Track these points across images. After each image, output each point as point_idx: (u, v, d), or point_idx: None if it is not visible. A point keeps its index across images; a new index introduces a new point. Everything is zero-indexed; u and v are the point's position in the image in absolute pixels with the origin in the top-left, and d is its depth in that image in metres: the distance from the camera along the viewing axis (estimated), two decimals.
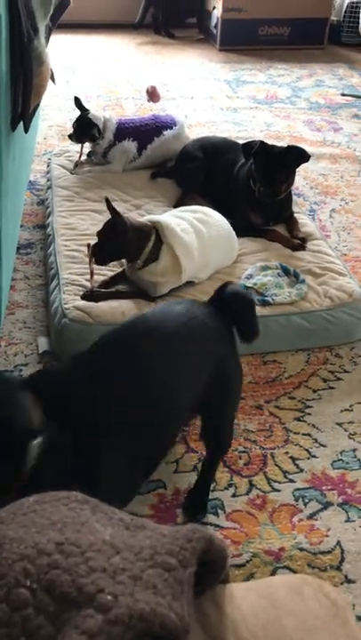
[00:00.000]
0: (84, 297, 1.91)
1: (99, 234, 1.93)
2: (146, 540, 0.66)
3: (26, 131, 1.82)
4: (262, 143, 2.29)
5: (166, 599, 0.56)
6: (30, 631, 0.55)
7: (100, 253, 1.92)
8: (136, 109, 3.67)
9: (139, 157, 2.69)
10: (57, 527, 0.69)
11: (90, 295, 1.92)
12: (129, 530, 0.72)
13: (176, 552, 0.63)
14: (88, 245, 1.95)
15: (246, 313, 1.35)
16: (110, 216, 1.90)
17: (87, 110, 2.68)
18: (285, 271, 2.10)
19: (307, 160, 2.29)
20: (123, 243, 1.89)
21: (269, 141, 3.29)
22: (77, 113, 2.72)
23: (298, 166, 2.31)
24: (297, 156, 2.27)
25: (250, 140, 2.40)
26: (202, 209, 2.17)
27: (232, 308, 1.34)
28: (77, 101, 2.70)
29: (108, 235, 1.90)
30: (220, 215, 2.17)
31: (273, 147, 2.30)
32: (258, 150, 2.26)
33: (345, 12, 5.02)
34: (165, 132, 2.68)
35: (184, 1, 5.04)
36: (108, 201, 1.88)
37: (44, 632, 0.55)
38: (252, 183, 2.32)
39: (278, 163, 2.25)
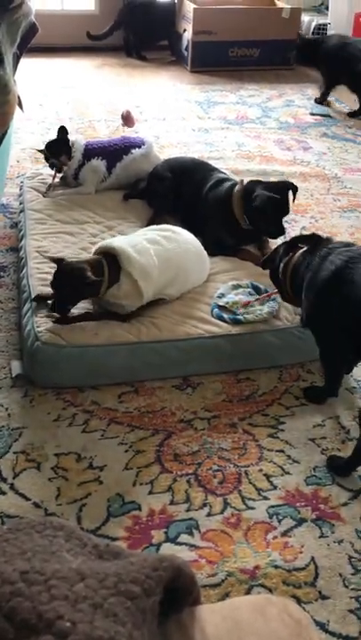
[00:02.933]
0: (56, 321, 1.92)
1: (54, 285, 1.92)
2: (112, 567, 0.67)
3: None
4: (276, 191, 2.27)
5: (126, 627, 0.56)
6: None
7: (62, 305, 1.93)
8: (109, 132, 3.71)
9: (109, 177, 2.72)
10: (26, 556, 0.69)
11: (61, 318, 1.93)
12: (102, 558, 0.72)
13: (141, 580, 0.64)
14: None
15: None
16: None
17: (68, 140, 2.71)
18: (256, 289, 2.13)
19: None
20: (83, 286, 1.88)
21: (241, 161, 3.37)
22: (50, 137, 2.75)
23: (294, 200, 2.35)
24: (295, 191, 2.31)
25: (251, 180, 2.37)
26: (171, 227, 2.20)
27: None
28: (63, 130, 2.70)
29: (68, 283, 1.89)
30: (190, 234, 2.20)
31: (280, 188, 2.29)
32: (278, 200, 2.26)
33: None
34: (133, 151, 2.71)
35: (155, 24, 5.12)
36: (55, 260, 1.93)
37: None
38: (239, 215, 2.33)
39: (287, 203, 2.29)
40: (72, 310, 1.98)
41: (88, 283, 1.85)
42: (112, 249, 1.96)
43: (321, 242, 1.81)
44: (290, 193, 2.29)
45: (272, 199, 2.25)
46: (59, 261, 1.92)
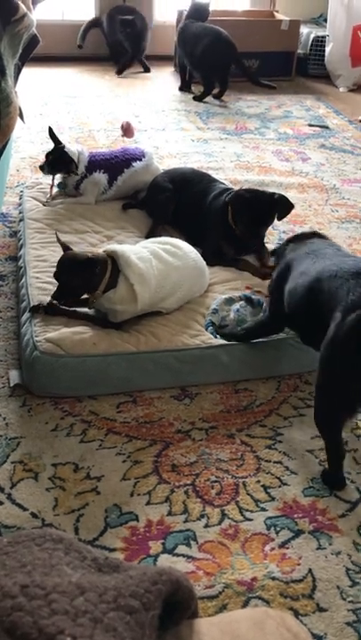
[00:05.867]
0: (46, 308, 1.99)
1: (56, 272, 1.97)
2: (112, 581, 0.67)
3: None
4: (254, 194, 2.32)
5: None
6: None
7: (66, 296, 1.98)
8: (108, 142, 3.73)
9: (109, 189, 2.73)
10: (26, 569, 0.69)
11: (47, 307, 1.99)
12: (101, 571, 0.72)
13: (140, 594, 0.64)
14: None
15: None
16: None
17: (61, 143, 2.71)
18: (249, 301, 2.13)
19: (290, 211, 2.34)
20: (89, 277, 1.93)
21: (239, 172, 3.39)
22: (50, 145, 2.76)
23: (283, 217, 2.35)
24: (286, 208, 2.31)
25: (241, 186, 2.42)
26: (171, 240, 2.21)
27: None
28: (51, 132, 2.73)
29: (72, 273, 1.94)
30: (190, 247, 2.20)
31: (263, 194, 2.33)
32: (250, 199, 2.29)
33: (311, 45, 5.19)
34: (134, 164, 2.73)
35: (142, 38, 5.07)
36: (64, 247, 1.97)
37: None
38: (231, 221, 2.36)
39: (268, 211, 2.30)
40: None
41: (91, 265, 1.90)
42: (114, 252, 1.98)
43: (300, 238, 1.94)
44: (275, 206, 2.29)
45: (241, 197, 2.30)
46: (66, 248, 1.98)
